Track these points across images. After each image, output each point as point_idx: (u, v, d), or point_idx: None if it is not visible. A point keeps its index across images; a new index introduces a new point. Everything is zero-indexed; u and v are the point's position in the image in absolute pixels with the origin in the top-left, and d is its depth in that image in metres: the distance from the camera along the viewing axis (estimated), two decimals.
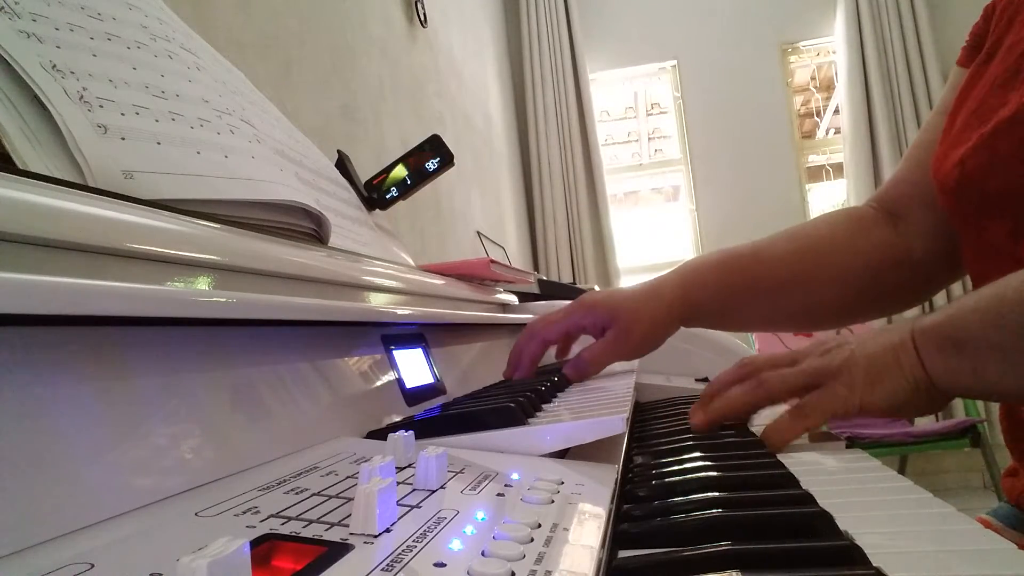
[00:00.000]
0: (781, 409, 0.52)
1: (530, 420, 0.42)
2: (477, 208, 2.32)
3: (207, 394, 0.31)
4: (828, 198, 3.55)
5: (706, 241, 3.33)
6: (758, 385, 0.52)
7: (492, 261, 0.81)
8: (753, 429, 0.54)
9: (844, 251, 0.72)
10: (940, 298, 2.98)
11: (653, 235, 3.62)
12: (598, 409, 0.44)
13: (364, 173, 0.89)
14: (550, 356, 0.79)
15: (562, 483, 0.33)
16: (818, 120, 3.91)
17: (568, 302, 0.77)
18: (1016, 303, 0.43)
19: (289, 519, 0.24)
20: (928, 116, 0.71)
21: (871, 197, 0.76)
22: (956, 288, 2.87)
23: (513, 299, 1.01)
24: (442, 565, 0.22)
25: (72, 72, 0.36)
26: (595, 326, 0.72)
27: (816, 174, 3.45)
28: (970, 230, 0.60)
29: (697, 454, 0.46)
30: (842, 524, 0.30)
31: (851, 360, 0.49)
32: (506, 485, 0.32)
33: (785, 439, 0.49)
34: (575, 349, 0.77)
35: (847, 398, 0.48)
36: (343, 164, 0.85)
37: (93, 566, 0.20)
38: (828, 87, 3.61)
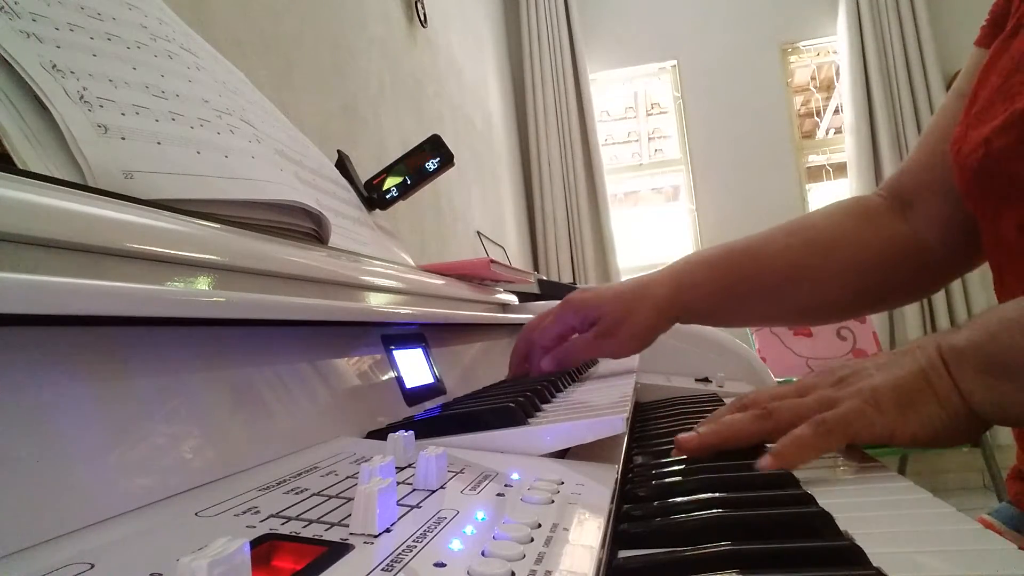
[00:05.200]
0: None
1: (530, 420, 0.42)
2: (477, 208, 2.31)
3: (207, 394, 0.31)
4: (829, 198, 3.55)
5: (706, 241, 3.33)
6: (766, 415, 0.44)
7: (492, 261, 0.81)
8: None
9: (850, 245, 0.67)
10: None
11: (653, 235, 3.62)
12: (598, 409, 0.44)
13: (364, 173, 0.89)
14: None
15: (562, 483, 0.33)
16: (818, 120, 3.91)
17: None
18: None
19: (289, 519, 0.24)
20: (943, 100, 0.66)
21: (880, 186, 0.72)
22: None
23: (513, 299, 1.01)
24: (442, 565, 0.22)
25: (72, 72, 0.36)
26: (584, 324, 0.70)
27: (816, 174, 3.44)
28: (988, 216, 0.55)
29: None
30: (842, 524, 0.30)
31: (873, 387, 0.42)
32: (506, 485, 0.32)
33: (805, 456, 0.40)
34: None
35: (876, 421, 0.41)
36: (343, 164, 0.85)
37: (93, 566, 0.20)
38: (828, 87, 3.61)
